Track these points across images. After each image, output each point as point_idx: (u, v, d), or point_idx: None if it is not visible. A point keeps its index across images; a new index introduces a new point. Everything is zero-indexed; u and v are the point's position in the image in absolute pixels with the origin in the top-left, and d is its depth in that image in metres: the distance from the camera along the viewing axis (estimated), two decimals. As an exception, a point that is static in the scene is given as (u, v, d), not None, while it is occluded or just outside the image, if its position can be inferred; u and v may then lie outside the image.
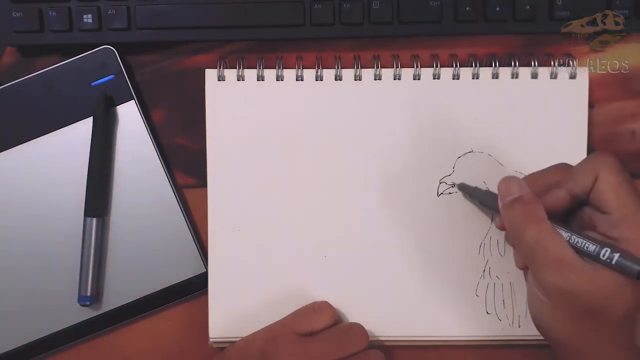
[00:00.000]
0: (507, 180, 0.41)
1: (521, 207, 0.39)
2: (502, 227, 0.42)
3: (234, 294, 0.48)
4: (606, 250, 0.36)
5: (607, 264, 0.36)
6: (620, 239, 0.37)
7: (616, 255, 0.36)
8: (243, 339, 0.46)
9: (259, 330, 0.46)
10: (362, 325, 0.46)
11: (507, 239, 0.40)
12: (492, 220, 0.48)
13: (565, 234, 0.38)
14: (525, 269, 0.43)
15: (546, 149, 0.48)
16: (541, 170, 0.42)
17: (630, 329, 0.38)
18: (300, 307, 0.47)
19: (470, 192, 0.47)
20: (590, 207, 0.39)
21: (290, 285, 0.48)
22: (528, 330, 0.48)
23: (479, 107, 0.48)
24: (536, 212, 0.39)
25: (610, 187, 0.38)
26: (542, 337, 0.48)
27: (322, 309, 0.46)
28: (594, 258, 0.37)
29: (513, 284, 0.48)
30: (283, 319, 0.46)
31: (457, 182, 0.47)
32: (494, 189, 0.48)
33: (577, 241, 0.38)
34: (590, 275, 0.37)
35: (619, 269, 0.36)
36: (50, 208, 0.48)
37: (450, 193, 0.48)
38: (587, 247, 0.37)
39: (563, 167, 0.41)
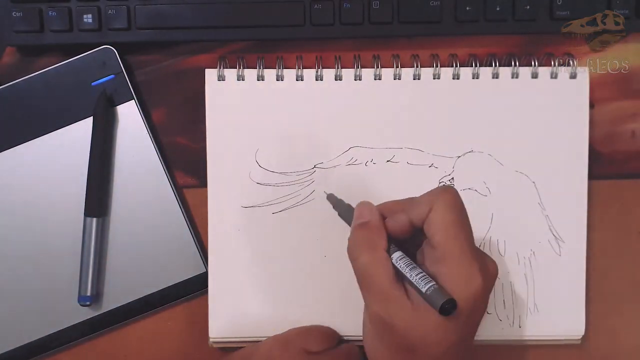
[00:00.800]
0: (362, 205, 0.41)
1: (363, 232, 0.40)
2: None
3: (234, 294, 0.48)
4: (424, 280, 0.36)
5: (421, 294, 0.36)
6: (440, 275, 0.37)
7: (429, 286, 0.36)
8: (248, 346, 0.46)
9: (265, 340, 0.46)
10: (356, 347, 0.46)
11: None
12: (492, 220, 0.48)
13: (398, 260, 0.38)
14: None
15: (546, 149, 0.48)
16: (398, 200, 0.42)
17: None
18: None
19: (335, 204, 0.46)
20: (426, 240, 0.39)
21: (290, 286, 0.48)
22: (528, 330, 0.48)
23: (479, 107, 0.48)
24: (375, 240, 0.39)
25: (438, 221, 0.38)
26: (542, 337, 0.48)
27: (328, 334, 0.47)
28: (413, 286, 0.37)
29: (513, 284, 0.48)
30: (287, 333, 0.47)
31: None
32: (494, 188, 0.48)
33: (407, 270, 0.38)
34: (410, 311, 0.37)
35: (428, 300, 0.36)
36: (50, 208, 0.48)
37: (450, 193, 0.48)
38: (411, 276, 0.37)
39: (413, 198, 0.41)
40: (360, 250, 0.39)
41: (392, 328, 0.37)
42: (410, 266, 0.38)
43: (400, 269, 0.38)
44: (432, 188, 0.40)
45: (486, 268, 0.38)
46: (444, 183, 0.48)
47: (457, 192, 0.39)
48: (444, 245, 0.37)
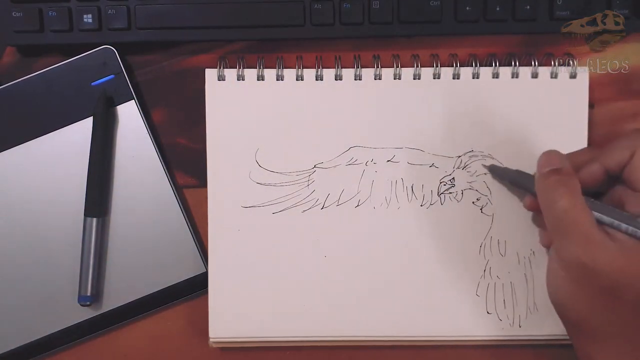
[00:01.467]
0: (549, 153, 0.42)
1: (558, 177, 0.40)
2: (530, 207, 0.42)
3: (234, 294, 0.48)
4: (633, 220, 0.37)
5: (635, 233, 0.36)
6: None
7: None
8: None
9: None
10: None
11: (541, 209, 0.41)
12: (493, 220, 0.48)
13: (596, 213, 0.38)
14: (548, 246, 0.43)
15: (546, 149, 0.48)
16: (579, 150, 0.43)
17: None
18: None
19: (500, 173, 0.47)
20: (621, 186, 0.40)
21: (290, 285, 0.48)
22: (528, 330, 0.48)
23: (479, 107, 0.48)
24: (571, 185, 0.39)
25: None
26: (542, 337, 0.48)
27: None
28: (620, 228, 0.37)
29: (513, 284, 0.48)
30: None
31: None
32: (494, 188, 0.48)
33: (609, 218, 0.38)
34: (615, 253, 0.37)
35: None
36: (50, 208, 0.48)
37: (450, 193, 0.48)
38: (618, 225, 0.37)
39: (598, 147, 0.42)
40: (560, 194, 0.39)
41: (594, 272, 0.37)
42: (611, 210, 0.38)
43: (604, 213, 0.38)
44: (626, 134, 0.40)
45: None
46: (444, 183, 0.48)
47: None
48: None
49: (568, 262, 0.38)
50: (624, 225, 0.37)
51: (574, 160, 0.42)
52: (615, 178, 0.40)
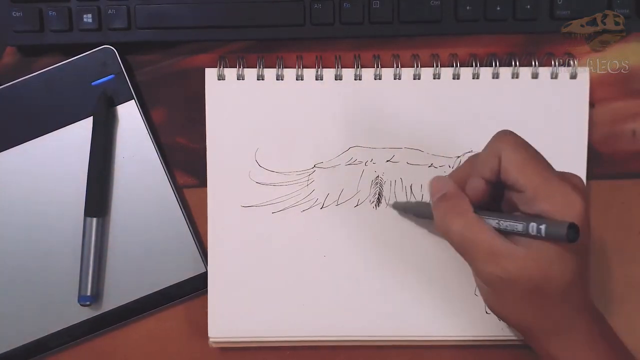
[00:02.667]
0: (436, 180, 0.42)
1: (445, 202, 0.40)
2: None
3: (233, 294, 0.48)
4: (533, 225, 0.36)
5: (534, 235, 0.36)
6: (541, 212, 0.37)
7: (542, 227, 0.36)
8: None
9: None
10: None
11: (443, 236, 0.41)
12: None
13: (493, 221, 0.38)
14: None
15: (546, 149, 0.47)
16: (460, 165, 0.42)
17: (579, 295, 0.39)
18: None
19: (403, 208, 0.47)
20: (507, 190, 0.39)
21: (290, 285, 0.48)
22: (528, 330, 0.48)
23: (479, 107, 0.48)
24: (460, 205, 0.39)
25: (513, 164, 0.38)
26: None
27: None
28: (524, 235, 0.37)
29: (513, 284, 0.48)
30: None
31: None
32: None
33: (506, 225, 0.38)
34: (522, 257, 0.37)
35: (550, 237, 0.36)
36: (50, 208, 0.48)
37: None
38: (516, 229, 0.37)
39: (474, 157, 0.41)
40: (450, 219, 0.39)
41: (511, 281, 0.37)
42: (507, 216, 0.38)
43: (498, 224, 0.38)
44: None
45: (576, 185, 0.38)
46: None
47: (512, 131, 0.39)
48: (530, 184, 0.37)
49: (484, 278, 0.39)
50: (519, 227, 0.37)
51: (458, 177, 0.41)
52: (500, 183, 0.40)
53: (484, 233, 0.38)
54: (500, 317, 0.41)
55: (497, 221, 0.38)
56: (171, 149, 0.49)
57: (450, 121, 0.48)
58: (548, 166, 0.38)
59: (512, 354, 0.49)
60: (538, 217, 0.37)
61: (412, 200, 0.47)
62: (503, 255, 0.37)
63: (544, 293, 0.38)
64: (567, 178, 0.38)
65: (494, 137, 0.40)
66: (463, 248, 0.39)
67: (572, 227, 0.35)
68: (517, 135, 0.39)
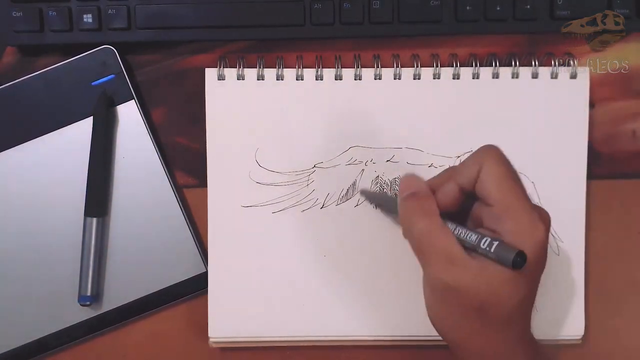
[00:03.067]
0: (407, 178, 0.41)
1: (414, 201, 0.40)
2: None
3: (234, 294, 0.48)
4: (485, 240, 0.36)
5: (486, 254, 0.36)
6: (503, 231, 0.37)
7: (494, 244, 0.36)
8: None
9: None
10: None
11: (403, 234, 0.41)
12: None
13: (452, 228, 0.38)
14: None
15: (546, 149, 0.48)
16: (440, 172, 0.42)
17: (522, 323, 0.39)
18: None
19: (369, 197, 0.47)
20: (478, 202, 0.39)
21: (290, 285, 0.48)
22: (528, 330, 0.48)
23: (479, 107, 0.48)
24: (428, 206, 0.39)
25: (491, 178, 0.38)
26: (542, 338, 0.48)
27: None
28: (475, 249, 0.37)
29: (513, 284, 0.48)
30: None
31: None
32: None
33: (463, 234, 0.38)
34: (475, 270, 0.37)
35: (496, 257, 0.36)
36: (50, 208, 0.48)
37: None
38: (469, 238, 0.37)
39: (453, 168, 0.41)
40: (416, 218, 0.39)
41: (458, 291, 0.37)
42: (467, 230, 0.38)
43: (458, 234, 0.38)
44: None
45: (543, 216, 0.38)
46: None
47: (498, 147, 0.39)
48: (503, 199, 0.37)
49: (433, 284, 0.38)
50: (479, 244, 0.37)
51: (434, 183, 0.41)
52: (473, 195, 0.39)
53: (445, 238, 0.38)
54: (438, 328, 0.40)
55: (455, 228, 0.38)
56: (171, 149, 0.49)
57: (450, 121, 0.48)
58: (523, 190, 0.38)
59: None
60: (495, 235, 0.37)
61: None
62: (458, 264, 0.37)
63: (489, 314, 0.37)
64: (537, 207, 0.39)
65: (479, 148, 0.40)
66: (421, 249, 0.39)
67: (521, 255, 0.35)
68: (502, 151, 0.39)
